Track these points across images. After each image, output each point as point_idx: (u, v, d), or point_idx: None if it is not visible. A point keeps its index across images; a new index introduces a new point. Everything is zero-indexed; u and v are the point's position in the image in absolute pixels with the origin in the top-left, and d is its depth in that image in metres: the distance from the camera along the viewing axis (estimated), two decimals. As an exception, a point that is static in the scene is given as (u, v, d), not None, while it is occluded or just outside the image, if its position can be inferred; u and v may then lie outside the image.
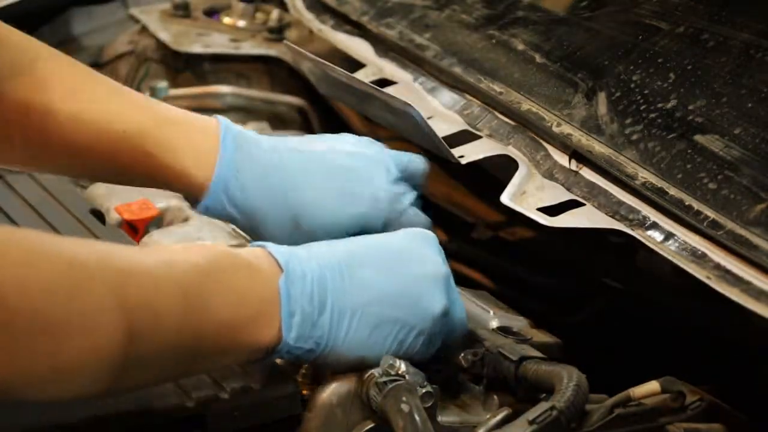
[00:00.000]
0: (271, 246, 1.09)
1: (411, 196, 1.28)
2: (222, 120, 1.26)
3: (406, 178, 1.29)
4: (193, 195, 1.25)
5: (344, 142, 1.29)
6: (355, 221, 1.24)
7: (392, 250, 1.14)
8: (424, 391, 1.10)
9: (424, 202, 1.31)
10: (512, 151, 1.43)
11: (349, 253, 1.12)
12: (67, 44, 1.99)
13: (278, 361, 1.13)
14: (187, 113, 1.26)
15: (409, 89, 1.61)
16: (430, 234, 1.18)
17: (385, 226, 1.25)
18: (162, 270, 1.00)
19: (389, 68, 1.68)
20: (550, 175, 1.37)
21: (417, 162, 1.31)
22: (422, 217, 1.28)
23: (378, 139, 1.71)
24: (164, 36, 1.98)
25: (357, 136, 1.31)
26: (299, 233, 1.23)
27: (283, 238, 1.19)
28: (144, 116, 1.22)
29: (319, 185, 1.24)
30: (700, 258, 1.19)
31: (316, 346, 1.08)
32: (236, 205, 1.24)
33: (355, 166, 1.26)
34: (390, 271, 1.12)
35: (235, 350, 1.05)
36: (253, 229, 1.25)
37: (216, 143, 1.23)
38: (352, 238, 1.17)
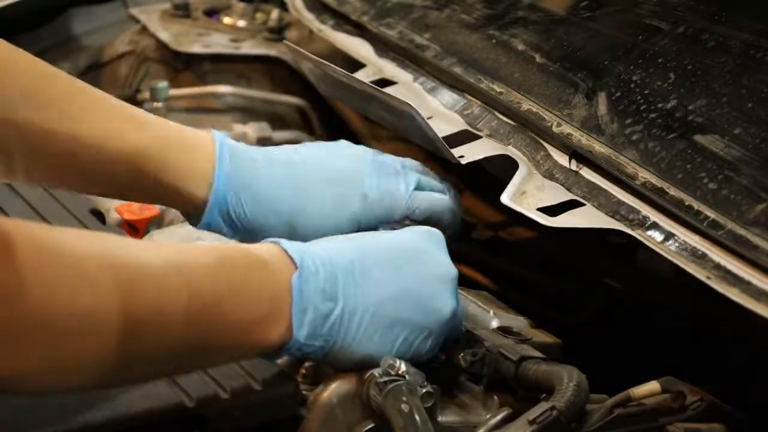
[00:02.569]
0: (284, 242, 1.09)
1: (413, 180, 1.32)
2: (217, 135, 1.27)
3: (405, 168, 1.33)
4: (191, 213, 1.27)
5: (333, 148, 1.33)
6: (349, 222, 1.27)
7: (404, 249, 1.15)
8: (424, 391, 1.10)
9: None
10: (512, 151, 1.43)
11: (361, 252, 1.12)
12: (67, 44, 1.99)
13: (279, 360, 1.13)
14: (184, 129, 1.28)
15: (409, 89, 1.61)
16: (439, 234, 1.19)
17: (381, 222, 1.29)
18: (171, 271, 1.00)
19: (389, 68, 1.68)
20: (550, 175, 1.37)
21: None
22: (436, 192, 1.33)
23: (378, 138, 1.72)
24: (164, 36, 1.98)
25: (347, 143, 1.35)
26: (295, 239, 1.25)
27: None
28: (141, 136, 1.23)
29: (310, 192, 1.27)
30: (700, 258, 1.19)
31: (325, 343, 1.08)
32: (234, 221, 1.26)
33: (344, 169, 1.29)
34: (402, 271, 1.12)
35: (244, 348, 1.05)
36: (252, 241, 1.27)
37: (212, 160, 1.25)
38: (361, 235, 1.17)
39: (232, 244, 1.14)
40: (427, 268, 1.14)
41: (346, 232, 1.24)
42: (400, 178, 1.31)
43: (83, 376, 0.96)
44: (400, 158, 1.35)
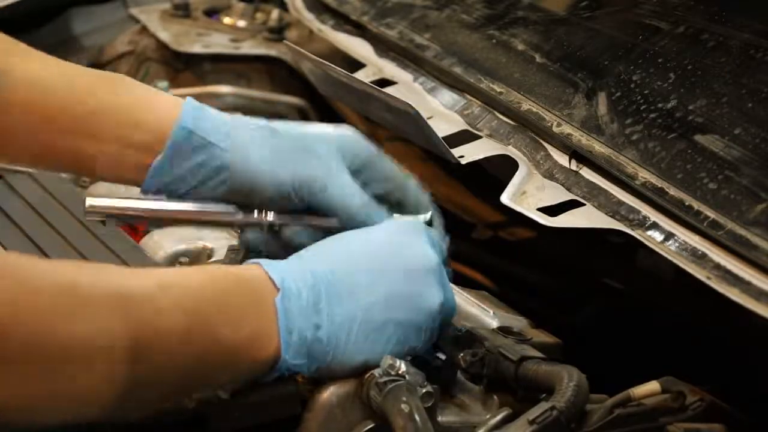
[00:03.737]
0: (265, 263, 1.09)
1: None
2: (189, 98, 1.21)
3: None
4: (142, 167, 1.18)
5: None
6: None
7: (383, 246, 1.14)
8: (424, 391, 1.10)
9: None
10: (512, 151, 1.43)
11: (341, 259, 1.11)
12: (67, 44, 1.99)
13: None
14: (152, 90, 1.22)
15: (409, 89, 1.61)
16: (419, 224, 1.18)
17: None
18: (162, 292, 1.00)
19: (389, 68, 1.68)
20: (550, 175, 1.38)
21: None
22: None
23: (378, 139, 1.71)
24: (164, 36, 1.98)
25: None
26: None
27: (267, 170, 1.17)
28: (109, 95, 1.18)
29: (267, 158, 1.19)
30: (700, 258, 1.19)
31: (316, 360, 1.08)
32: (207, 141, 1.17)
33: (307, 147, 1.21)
34: (384, 272, 1.12)
35: (235, 369, 1.05)
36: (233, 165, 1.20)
37: (174, 117, 1.18)
38: (340, 237, 1.16)
39: (217, 266, 1.12)
40: (408, 264, 1.13)
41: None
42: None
43: (82, 405, 0.95)
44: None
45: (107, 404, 0.96)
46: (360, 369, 1.11)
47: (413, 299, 1.12)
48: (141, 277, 1.01)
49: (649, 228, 1.25)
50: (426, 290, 1.13)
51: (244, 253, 1.24)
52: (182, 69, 1.99)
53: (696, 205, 1.23)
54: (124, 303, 0.96)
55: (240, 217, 1.21)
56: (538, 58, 1.53)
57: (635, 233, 1.25)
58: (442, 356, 1.21)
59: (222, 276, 1.07)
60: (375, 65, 1.69)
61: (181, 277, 1.05)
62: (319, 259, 1.11)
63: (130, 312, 0.96)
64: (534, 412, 1.06)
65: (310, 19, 1.87)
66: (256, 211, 1.21)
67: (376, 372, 1.10)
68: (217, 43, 1.99)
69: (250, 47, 1.99)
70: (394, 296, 1.11)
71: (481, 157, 1.43)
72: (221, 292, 1.05)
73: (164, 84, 1.82)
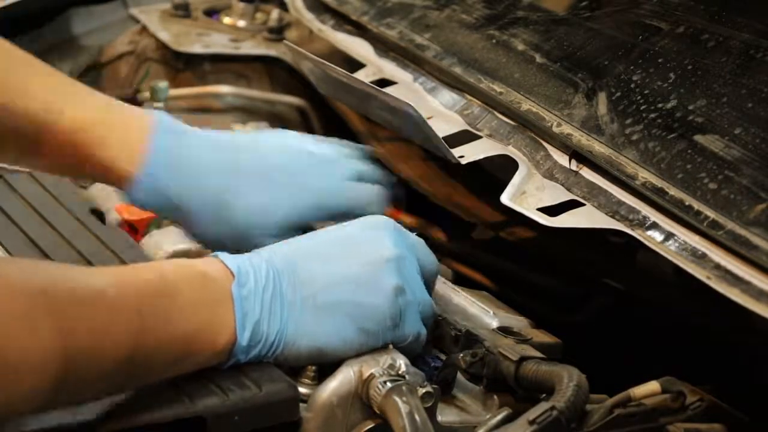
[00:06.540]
0: (222, 255, 1.11)
1: (347, 171, 1.32)
2: (157, 113, 1.27)
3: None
4: (124, 187, 1.27)
5: (270, 139, 1.33)
6: (284, 215, 1.27)
7: (340, 239, 1.17)
8: (424, 391, 1.10)
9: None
10: (512, 151, 1.43)
11: (296, 249, 1.14)
12: (67, 44, 1.99)
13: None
14: (122, 105, 1.28)
15: (409, 89, 1.61)
16: (385, 220, 1.20)
17: (319, 217, 1.29)
18: (114, 291, 1.00)
19: (389, 68, 1.68)
20: (550, 175, 1.38)
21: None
22: (370, 183, 1.33)
23: (378, 139, 1.71)
24: (164, 36, 1.98)
25: (289, 133, 1.35)
26: (234, 233, 1.26)
27: (213, 234, 1.26)
28: (78, 110, 1.23)
29: (240, 178, 1.26)
30: (700, 258, 1.19)
31: (270, 343, 1.10)
32: (164, 201, 1.26)
33: (276, 162, 1.29)
34: (336, 260, 1.14)
35: (191, 358, 1.06)
36: (184, 223, 1.30)
37: (144, 137, 1.24)
38: (310, 234, 1.20)
39: (173, 260, 1.14)
40: (363, 253, 1.15)
41: (283, 227, 1.26)
42: (334, 170, 1.31)
43: (16, 408, 0.95)
44: (342, 145, 1.36)
45: (45, 404, 0.96)
46: (316, 355, 1.12)
47: (362, 282, 1.13)
48: (93, 278, 1.02)
49: (649, 228, 1.25)
50: (376, 275, 1.14)
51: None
52: (182, 69, 1.99)
53: (696, 205, 1.23)
54: (65, 308, 0.96)
55: None
56: (538, 58, 1.53)
57: (635, 233, 1.25)
58: (442, 356, 1.21)
59: (178, 268, 1.08)
60: (375, 65, 1.69)
61: (135, 273, 1.06)
62: (276, 252, 1.13)
63: (72, 317, 0.96)
64: (534, 412, 1.06)
65: (310, 19, 1.87)
66: None
67: (376, 372, 1.10)
68: (217, 43, 1.99)
69: (250, 47, 1.99)
70: (345, 280, 1.13)
71: (481, 157, 1.43)
72: (176, 284, 1.06)
73: (164, 84, 1.82)
